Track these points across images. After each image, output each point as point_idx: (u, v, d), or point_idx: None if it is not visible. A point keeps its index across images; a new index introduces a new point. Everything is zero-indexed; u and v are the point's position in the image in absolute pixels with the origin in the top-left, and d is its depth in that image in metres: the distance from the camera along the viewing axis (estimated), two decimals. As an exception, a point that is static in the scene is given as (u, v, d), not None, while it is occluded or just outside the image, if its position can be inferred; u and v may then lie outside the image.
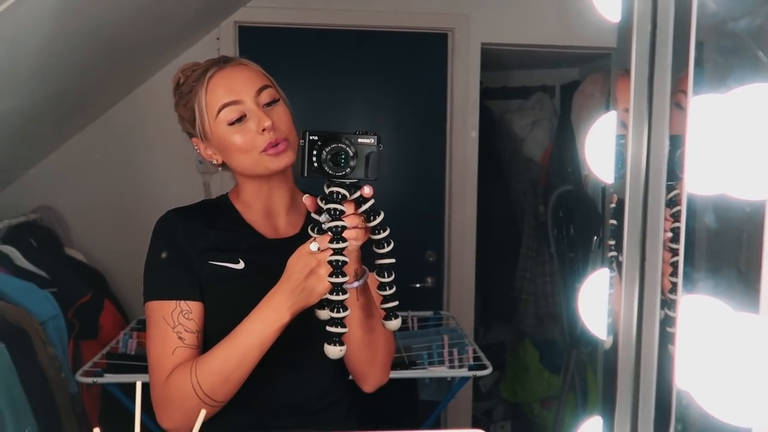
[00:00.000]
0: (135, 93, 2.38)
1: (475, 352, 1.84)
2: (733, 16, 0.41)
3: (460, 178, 2.56)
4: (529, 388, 2.76)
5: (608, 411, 0.53)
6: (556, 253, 2.67)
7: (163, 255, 1.01)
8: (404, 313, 2.16)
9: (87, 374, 1.66)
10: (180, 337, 0.96)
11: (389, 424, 2.19)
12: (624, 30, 0.50)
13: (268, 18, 2.42)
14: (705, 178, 0.43)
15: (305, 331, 0.95)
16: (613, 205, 0.52)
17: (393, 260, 0.92)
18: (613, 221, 0.51)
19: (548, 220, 2.70)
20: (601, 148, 0.57)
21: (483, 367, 1.76)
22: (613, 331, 0.52)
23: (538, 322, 2.73)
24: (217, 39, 2.41)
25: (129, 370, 1.67)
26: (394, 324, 0.94)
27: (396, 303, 0.93)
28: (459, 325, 2.15)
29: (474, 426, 2.66)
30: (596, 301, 0.59)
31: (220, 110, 0.99)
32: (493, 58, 2.67)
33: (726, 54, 0.41)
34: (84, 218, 2.37)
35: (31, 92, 1.75)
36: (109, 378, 1.64)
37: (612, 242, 0.52)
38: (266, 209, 1.08)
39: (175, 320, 0.97)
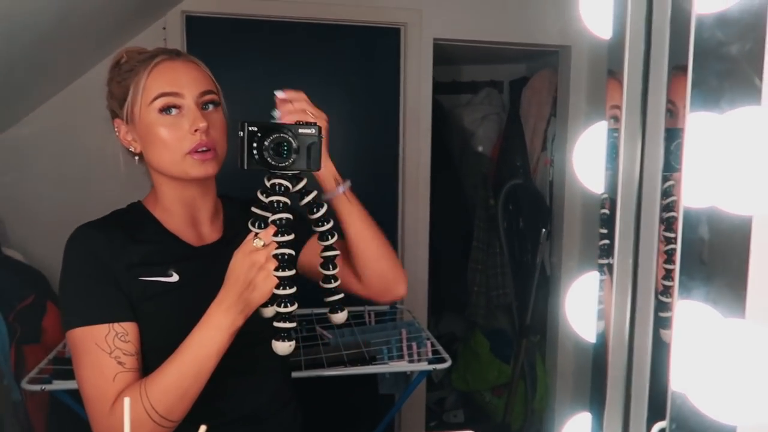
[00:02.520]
0: (76, 83, 2.27)
1: (433, 345, 1.87)
2: (726, 40, 0.44)
3: (413, 171, 2.59)
4: (480, 377, 2.83)
5: (597, 409, 0.56)
6: (507, 246, 2.75)
7: (87, 275, 0.93)
8: (361, 308, 2.17)
9: (33, 381, 1.57)
10: (119, 362, 0.89)
11: (351, 418, 2.19)
12: (616, 46, 0.52)
13: (217, 8, 2.35)
14: (698, 192, 0.45)
15: (250, 335, 0.92)
16: (605, 211, 0.54)
17: (338, 252, 0.91)
18: (603, 230, 0.53)
19: (499, 213, 2.77)
20: (589, 157, 0.59)
21: (442, 361, 1.79)
22: (603, 332, 0.54)
23: (489, 312, 2.80)
24: (164, 29, 2.31)
25: (79, 374, 1.60)
26: (340, 317, 0.93)
27: (341, 295, 0.93)
28: (415, 319, 2.17)
29: (428, 416, 2.71)
30: (584, 304, 0.61)
31: (157, 97, 0.94)
32: (442, 53, 2.70)
33: (719, 76, 0.44)
34: (21, 215, 2.23)
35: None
36: (59, 384, 1.56)
37: (604, 242, 0.55)
38: (190, 217, 1.03)
39: (110, 345, 0.89)
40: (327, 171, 1.00)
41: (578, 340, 0.61)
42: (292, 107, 0.97)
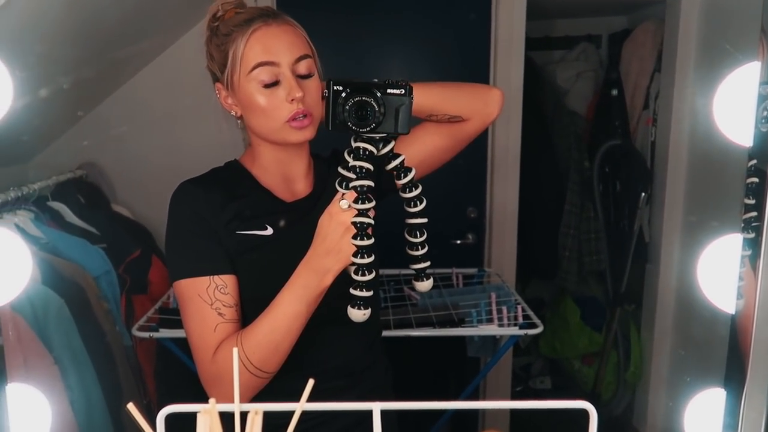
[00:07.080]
0: (176, 45, 2.33)
1: (523, 310, 1.83)
2: None
3: (503, 132, 2.50)
4: (570, 344, 2.76)
5: (734, 384, 0.51)
6: (602, 210, 2.62)
7: (188, 230, 0.97)
8: (449, 270, 2.15)
9: (142, 329, 1.68)
10: (220, 313, 0.93)
11: (438, 379, 2.21)
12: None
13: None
14: None
15: (344, 286, 0.92)
16: (753, 162, 0.48)
17: (425, 220, 0.87)
18: (754, 179, 0.47)
19: (594, 175, 2.64)
20: (735, 106, 0.52)
21: (533, 326, 1.74)
22: (743, 296, 0.49)
23: (580, 279, 2.70)
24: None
25: (181, 325, 1.69)
26: (426, 285, 0.91)
27: (428, 263, 0.90)
28: (504, 282, 2.13)
29: (513, 381, 2.68)
30: (722, 267, 0.55)
31: (255, 67, 0.95)
32: (534, 6, 2.55)
33: None
34: (127, 174, 2.37)
35: (74, 51, 1.72)
36: (165, 333, 1.66)
37: (751, 201, 0.48)
38: (285, 175, 1.06)
39: (211, 296, 0.93)
40: None
41: (691, 310, 0.55)
42: None
